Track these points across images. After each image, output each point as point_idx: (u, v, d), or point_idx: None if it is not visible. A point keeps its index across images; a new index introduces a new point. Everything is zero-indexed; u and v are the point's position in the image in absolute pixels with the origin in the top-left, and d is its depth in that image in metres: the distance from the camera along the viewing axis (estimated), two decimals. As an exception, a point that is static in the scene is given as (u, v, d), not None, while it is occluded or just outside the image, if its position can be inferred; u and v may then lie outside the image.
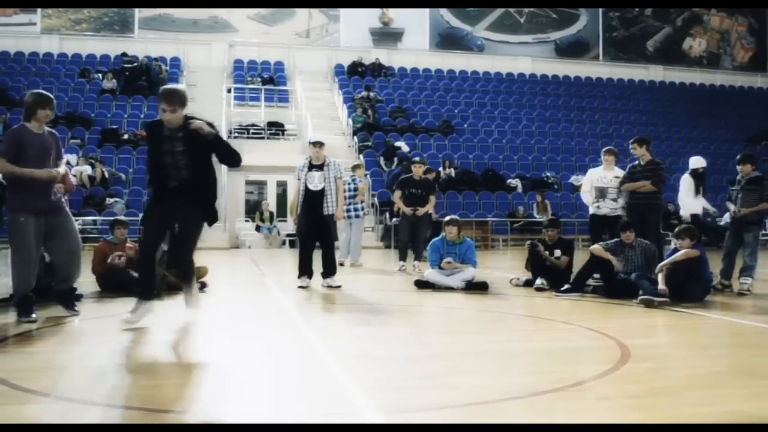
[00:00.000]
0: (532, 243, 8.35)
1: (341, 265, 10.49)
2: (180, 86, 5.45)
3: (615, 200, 8.58)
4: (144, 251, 5.58)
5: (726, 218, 8.41)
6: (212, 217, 5.51)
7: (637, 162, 8.60)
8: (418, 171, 10.94)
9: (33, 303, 5.67)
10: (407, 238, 10.92)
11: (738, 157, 8.50)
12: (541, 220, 17.65)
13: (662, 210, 9.06)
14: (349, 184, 11.62)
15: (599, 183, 8.67)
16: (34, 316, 5.59)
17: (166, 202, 5.37)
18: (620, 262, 7.37)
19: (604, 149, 9.09)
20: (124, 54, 23.82)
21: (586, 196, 8.86)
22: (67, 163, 6.05)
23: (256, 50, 25.97)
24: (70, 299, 5.95)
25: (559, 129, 24.75)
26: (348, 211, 11.52)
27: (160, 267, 7.70)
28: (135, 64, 23.31)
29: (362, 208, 12.05)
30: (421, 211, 10.72)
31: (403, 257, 10.81)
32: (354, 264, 11.62)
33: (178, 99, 5.17)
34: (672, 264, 6.98)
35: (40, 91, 5.91)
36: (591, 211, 8.77)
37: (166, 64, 24.67)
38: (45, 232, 5.64)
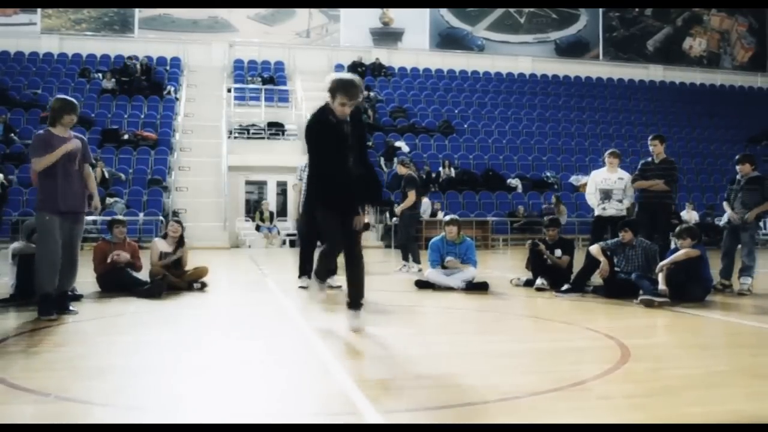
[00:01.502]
0: (533, 242, 8.35)
1: None
2: (355, 77, 5.06)
3: (620, 201, 8.57)
4: (332, 248, 5.26)
5: (725, 218, 8.41)
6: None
7: (650, 159, 8.57)
8: (399, 170, 11.41)
9: (54, 301, 5.74)
10: (401, 237, 11.22)
11: (737, 157, 8.50)
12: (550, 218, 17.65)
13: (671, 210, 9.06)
14: None
15: (603, 185, 8.65)
16: (54, 315, 5.65)
17: (341, 199, 5.02)
18: (608, 268, 7.31)
19: (608, 152, 9.07)
20: (125, 65, 23.68)
21: (591, 198, 8.85)
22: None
23: (257, 50, 25.97)
24: (63, 303, 5.95)
25: (559, 129, 24.76)
26: None
27: (160, 267, 7.74)
28: (136, 73, 23.26)
29: None
30: (397, 208, 11.09)
31: (404, 257, 10.86)
32: None
33: (356, 95, 4.89)
34: (672, 264, 6.97)
35: (66, 97, 6.12)
36: (596, 212, 8.76)
37: (166, 64, 24.71)
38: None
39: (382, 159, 20.89)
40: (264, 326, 5.76)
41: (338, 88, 4.86)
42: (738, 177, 8.32)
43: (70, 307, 5.99)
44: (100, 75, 23.22)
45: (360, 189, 5.09)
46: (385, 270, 10.98)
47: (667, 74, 29.94)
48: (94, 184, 6.15)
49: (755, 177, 8.19)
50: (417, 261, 10.52)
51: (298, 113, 22.85)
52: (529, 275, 8.29)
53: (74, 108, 5.88)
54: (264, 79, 24.31)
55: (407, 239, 10.95)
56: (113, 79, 22.77)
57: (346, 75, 5.09)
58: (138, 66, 23.47)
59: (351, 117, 5.02)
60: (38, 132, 6.02)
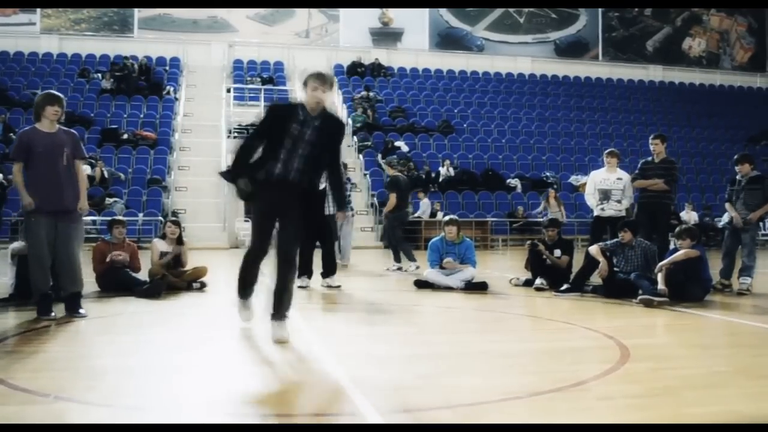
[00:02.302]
0: (532, 243, 8.35)
1: (345, 266, 10.56)
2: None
3: (619, 202, 8.57)
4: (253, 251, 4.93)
5: (725, 218, 8.41)
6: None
7: (650, 158, 8.56)
8: (387, 170, 11.52)
9: (51, 301, 5.71)
10: (389, 238, 11.37)
11: (735, 157, 8.49)
12: (549, 218, 17.63)
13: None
14: None
15: (602, 185, 8.65)
16: (53, 314, 5.62)
17: (274, 192, 4.76)
18: (607, 268, 7.31)
19: (607, 151, 9.07)
20: (123, 64, 23.60)
21: (590, 198, 8.84)
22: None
23: (256, 50, 25.96)
24: (74, 304, 5.83)
25: (559, 129, 24.75)
26: None
27: (160, 267, 7.74)
28: (133, 73, 23.22)
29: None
30: (384, 210, 11.27)
31: (395, 258, 10.89)
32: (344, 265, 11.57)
33: (329, 81, 4.77)
34: (672, 264, 6.98)
35: (49, 90, 6.03)
36: (595, 213, 8.76)
37: (165, 64, 24.70)
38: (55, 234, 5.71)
39: (381, 158, 20.88)
40: (264, 326, 5.75)
41: (309, 76, 4.74)
42: (738, 177, 8.31)
43: (80, 310, 5.80)
44: (100, 75, 23.21)
45: (309, 196, 4.95)
46: (383, 270, 10.99)
47: (667, 74, 29.95)
48: (84, 184, 5.94)
49: (756, 176, 8.18)
50: (412, 259, 10.52)
51: (297, 113, 22.81)
52: (528, 275, 8.30)
53: (56, 99, 5.73)
54: (263, 79, 24.30)
55: (396, 240, 10.96)
56: (112, 79, 22.75)
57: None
58: (135, 66, 23.45)
59: (327, 128, 4.78)
60: (23, 129, 5.96)
